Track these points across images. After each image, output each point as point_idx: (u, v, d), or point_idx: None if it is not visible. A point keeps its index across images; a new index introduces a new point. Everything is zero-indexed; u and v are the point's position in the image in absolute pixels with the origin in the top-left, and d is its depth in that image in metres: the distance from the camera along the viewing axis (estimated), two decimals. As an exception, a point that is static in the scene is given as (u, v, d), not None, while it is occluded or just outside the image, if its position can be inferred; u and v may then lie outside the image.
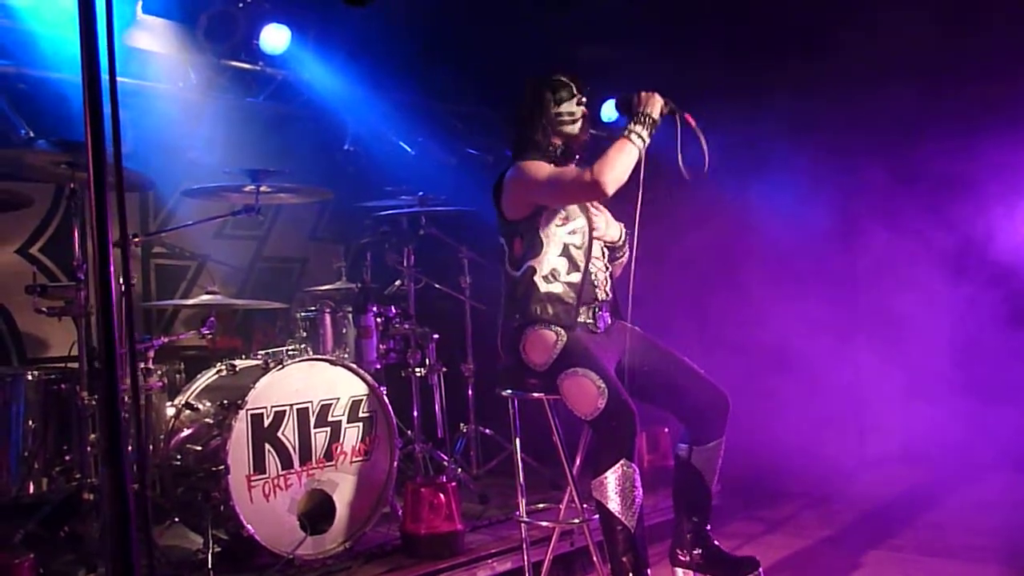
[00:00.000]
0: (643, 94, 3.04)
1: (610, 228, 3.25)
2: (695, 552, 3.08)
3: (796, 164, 5.22)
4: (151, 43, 4.80)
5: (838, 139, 5.23)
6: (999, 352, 4.89)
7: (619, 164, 2.90)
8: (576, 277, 3.10)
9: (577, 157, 3.20)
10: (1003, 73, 4.75)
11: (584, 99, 3.18)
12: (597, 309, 3.15)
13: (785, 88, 5.06)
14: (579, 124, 3.17)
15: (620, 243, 3.28)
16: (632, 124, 2.98)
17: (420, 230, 4.87)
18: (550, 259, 3.09)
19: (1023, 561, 3.57)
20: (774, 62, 5.02)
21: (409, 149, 5.77)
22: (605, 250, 3.24)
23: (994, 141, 4.68)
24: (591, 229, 3.15)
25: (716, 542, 3.07)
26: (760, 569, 2.96)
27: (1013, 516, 4.35)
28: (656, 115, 3.01)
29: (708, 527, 3.10)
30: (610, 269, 3.23)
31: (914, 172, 5.11)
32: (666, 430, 4.83)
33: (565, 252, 3.10)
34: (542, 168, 3.07)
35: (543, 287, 3.08)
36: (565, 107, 3.16)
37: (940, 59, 4.82)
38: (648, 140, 2.98)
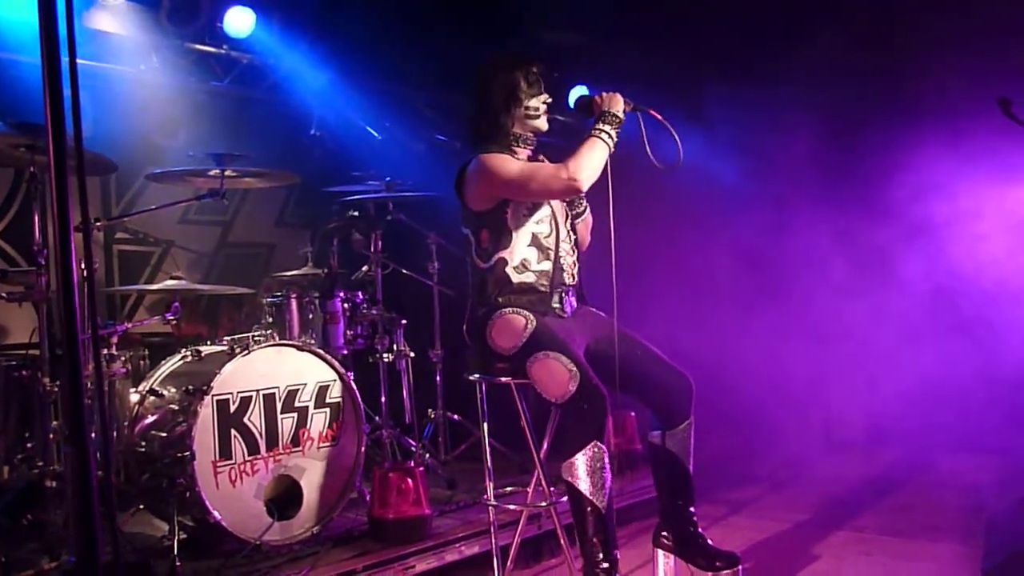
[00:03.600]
0: (604, 94, 3.10)
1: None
2: (678, 536, 3.11)
3: (747, 156, 5.28)
4: (113, 25, 4.73)
5: (783, 133, 5.29)
6: (955, 340, 4.97)
7: (593, 162, 2.97)
8: (547, 265, 3.12)
9: (533, 149, 3.20)
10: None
11: (549, 97, 3.18)
12: (564, 293, 3.17)
13: (732, 80, 5.11)
14: (543, 118, 3.18)
15: (581, 208, 3.30)
16: (599, 123, 3.03)
17: (387, 216, 4.85)
18: (520, 250, 3.10)
19: (978, 538, 3.64)
20: (723, 55, 5.07)
21: (376, 134, 5.74)
22: (572, 234, 3.24)
23: (933, 138, 4.77)
24: (556, 216, 3.16)
25: (701, 529, 3.09)
26: (740, 567, 2.99)
27: (973, 496, 4.44)
28: (620, 113, 3.05)
29: (692, 509, 3.12)
30: (576, 253, 3.24)
31: (860, 167, 5.19)
32: (632, 414, 4.87)
33: (534, 242, 3.11)
34: (509, 164, 3.06)
35: (515, 278, 3.09)
36: (535, 101, 3.16)
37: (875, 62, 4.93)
38: (615, 138, 3.03)
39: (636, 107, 3.10)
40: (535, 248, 3.11)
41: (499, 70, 3.16)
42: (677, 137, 3.05)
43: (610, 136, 3.01)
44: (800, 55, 5.01)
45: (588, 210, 3.33)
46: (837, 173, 5.32)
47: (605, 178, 3.02)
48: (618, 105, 3.06)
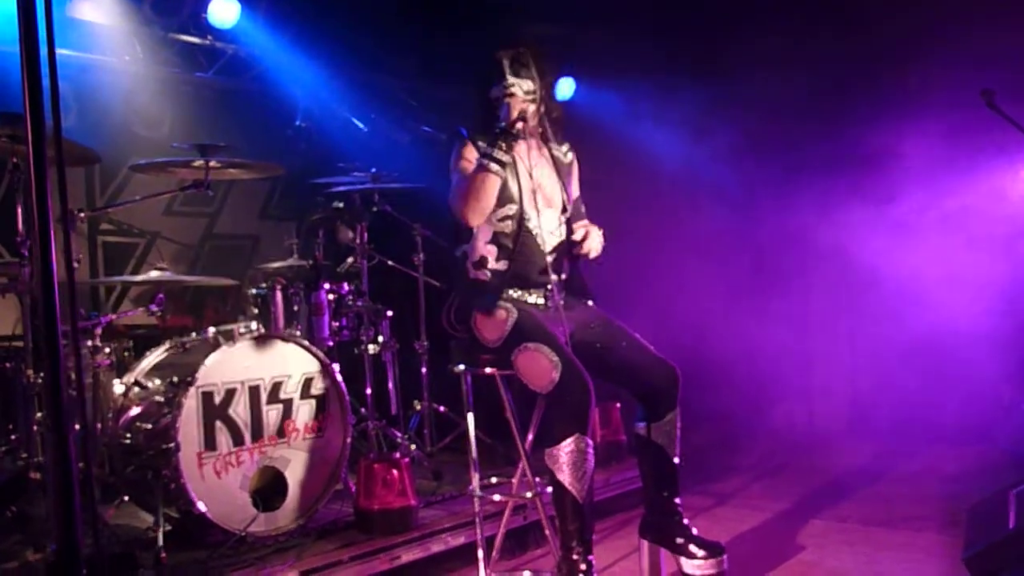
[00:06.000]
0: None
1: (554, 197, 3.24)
2: (664, 527, 3.12)
3: (738, 142, 5.29)
4: (96, 14, 4.70)
5: (766, 120, 5.31)
6: (946, 326, 5.00)
7: (477, 196, 3.00)
8: (503, 265, 3.11)
9: (520, 139, 3.14)
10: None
11: (514, 81, 3.12)
12: (547, 291, 3.16)
13: (718, 68, 5.12)
14: (507, 104, 3.07)
15: (564, 217, 3.26)
16: (487, 150, 3.03)
17: (373, 207, 4.84)
18: (479, 246, 3.12)
19: (958, 528, 3.67)
20: (711, 42, 5.09)
21: (362, 126, 5.72)
22: (563, 229, 3.23)
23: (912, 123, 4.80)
24: (525, 213, 3.13)
25: (686, 520, 3.10)
26: (724, 556, 3.00)
27: (953, 486, 4.47)
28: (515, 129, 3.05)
29: (678, 500, 3.13)
30: (565, 249, 3.22)
31: (844, 155, 5.21)
32: (618, 405, 4.88)
33: (494, 240, 3.11)
34: (463, 162, 3.11)
35: (472, 273, 3.13)
36: (495, 90, 3.14)
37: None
38: (506, 159, 3.03)
39: (521, 118, 3.06)
40: (495, 246, 3.11)
41: (476, 64, 3.21)
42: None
43: (495, 159, 3.00)
44: (783, 41, 5.02)
45: (585, 220, 3.25)
46: (823, 161, 5.34)
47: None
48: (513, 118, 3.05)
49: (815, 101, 5.30)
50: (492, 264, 3.11)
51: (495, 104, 3.14)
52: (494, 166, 3.01)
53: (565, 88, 5.60)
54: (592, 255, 3.22)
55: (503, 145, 3.02)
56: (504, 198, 3.11)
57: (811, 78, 5.19)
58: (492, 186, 3.02)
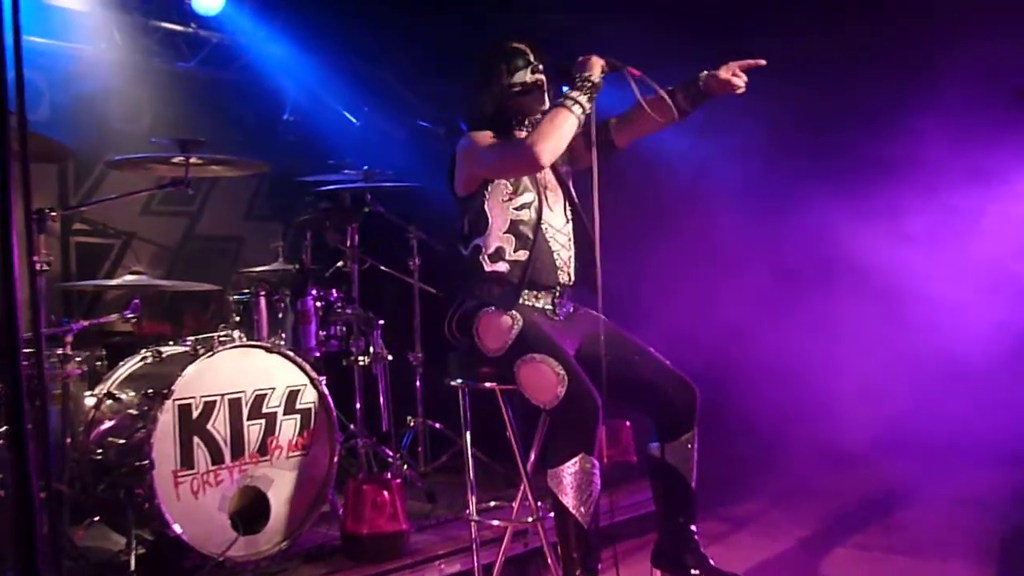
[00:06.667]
0: (580, 59, 3.06)
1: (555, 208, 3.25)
2: (679, 556, 3.09)
3: (759, 144, 5.28)
4: (72, 0, 4.70)
5: (792, 114, 5.29)
6: (984, 342, 4.97)
7: (553, 132, 2.94)
8: (523, 255, 3.11)
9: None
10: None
11: (541, 67, 3.19)
12: (556, 295, 3.16)
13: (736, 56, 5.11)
14: (534, 94, 3.18)
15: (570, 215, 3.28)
16: (569, 91, 3.01)
17: (365, 207, 4.83)
18: (496, 236, 3.11)
19: (991, 560, 3.65)
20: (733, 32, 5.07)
21: (354, 120, 5.73)
22: (569, 223, 3.24)
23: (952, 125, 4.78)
24: (545, 202, 3.16)
25: (703, 549, 3.08)
26: None
27: (984, 514, 4.44)
28: (596, 77, 3.01)
29: (694, 527, 3.11)
30: (573, 249, 3.22)
31: (873, 156, 5.20)
32: (627, 424, 4.86)
33: (512, 229, 3.11)
34: (484, 138, 3.11)
35: (488, 266, 3.11)
36: (519, 76, 3.17)
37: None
38: (588, 106, 2.99)
39: (615, 65, 3.05)
40: (512, 236, 3.11)
41: (482, 57, 3.22)
42: (663, 92, 3.07)
43: (578, 103, 2.96)
44: (809, 36, 5.01)
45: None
46: (852, 164, 5.31)
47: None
48: (594, 68, 3.02)
49: (841, 101, 5.29)
50: (510, 255, 3.10)
51: (519, 92, 3.16)
52: (576, 108, 2.97)
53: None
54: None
55: (588, 94, 2.99)
56: (520, 185, 3.14)
57: (835, 77, 5.17)
58: (570, 127, 2.96)
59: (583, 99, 2.98)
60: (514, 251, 3.10)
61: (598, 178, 3.03)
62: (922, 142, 4.92)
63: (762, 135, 5.34)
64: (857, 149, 5.26)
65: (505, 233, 3.11)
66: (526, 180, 3.15)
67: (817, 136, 5.36)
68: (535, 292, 3.14)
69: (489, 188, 3.11)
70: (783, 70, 5.10)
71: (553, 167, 3.27)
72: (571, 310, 3.22)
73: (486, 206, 3.11)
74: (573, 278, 3.22)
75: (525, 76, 3.17)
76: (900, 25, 5.00)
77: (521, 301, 3.09)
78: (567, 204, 3.27)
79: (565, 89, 3.04)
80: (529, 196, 3.14)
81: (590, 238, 3.20)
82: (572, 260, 3.22)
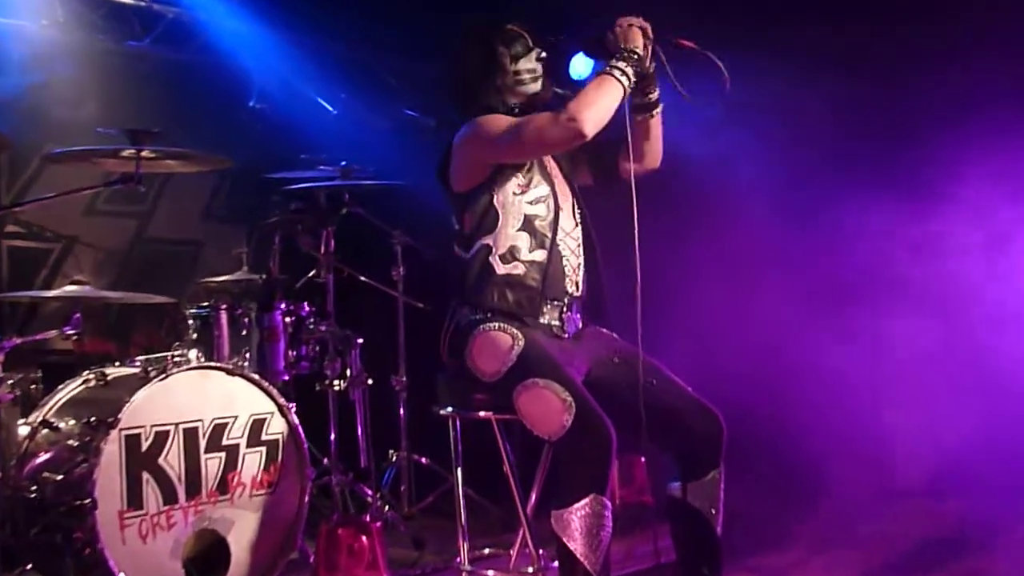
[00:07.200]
0: (619, 27, 3.06)
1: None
2: None
3: (779, 133, 5.28)
4: (6, -31, 4.71)
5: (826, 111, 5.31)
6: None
7: (600, 100, 2.95)
8: (541, 255, 3.11)
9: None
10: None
11: (544, 52, 3.21)
12: (565, 308, 3.17)
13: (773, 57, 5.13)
14: (541, 81, 3.22)
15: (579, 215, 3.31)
16: (613, 61, 3.01)
17: (342, 208, 4.85)
18: (508, 233, 3.11)
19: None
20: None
21: (330, 108, 5.73)
22: (578, 225, 3.24)
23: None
24: (558, 197, 3.17)
25: None
26: None
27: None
28: (640, 49, 3.03)
29: None
30: (584, 255, 3.23)
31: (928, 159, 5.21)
32: (643, 459, 4.85)
33: (527, 225, 3.11)
34: (499, 119, 3.11)
35: (500, 268, 3.09)
36: (524, 63, 3.20)
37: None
38: (634, 79, 3.00)
39: (660, 39, 3.06)
40: (527, 234, 3.11)
41: (473, 40, 3.22)
42: (723, 66, 3.05)
43: (626, 75, 2.97)
44: (855, 33, 5.03)
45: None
46: (903, 165, 5.33)
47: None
48: (637, 38, 3.03)
49: (884, 100, 5.30)
50: (526, 254, 3.10)
51: (523, 82, 3.18)
52: (624, 79, 2.98)
53: (580, 66, 5.60)
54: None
55: (635, 67, 3.00)
56: (533, 175, 3.15)
57: (880, 75, 5.19)
58: (615, 98, 2.98)
59: (630, 70, 2.98)
60: (530, 250, 3.11)
61: (635, 188, 3.04)
62: (986, 146, 4.94)
63: (798, 134, 5.35)
64: (913, 152, 5.27)
65: (519, 230, 3.10)
66: (537, 171, 3.17)
67: (868, 137, 5.37)
68: (543, 303, 3.14)
69: (498, 180, 3.11)
70: (831, 62, 5.14)
71: (557, 161, 3.28)
72: (580, 326, 3.22)
73: (495, 200, 3.11)
74: (582, 289, 3.22)
75: (529, 63, 3.19)
76: (967, 22, 5.01)
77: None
78: (575, 204, 3.28)
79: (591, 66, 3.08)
80: (543, 189, 3.16)
81: (596, 246, 3.24)
82: (581, 268, 3.23)
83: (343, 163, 4.77)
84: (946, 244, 5.19)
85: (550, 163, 3.26)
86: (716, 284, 5.48)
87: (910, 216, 5.22)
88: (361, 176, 4.80)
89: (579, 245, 3.23)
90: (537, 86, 3.22)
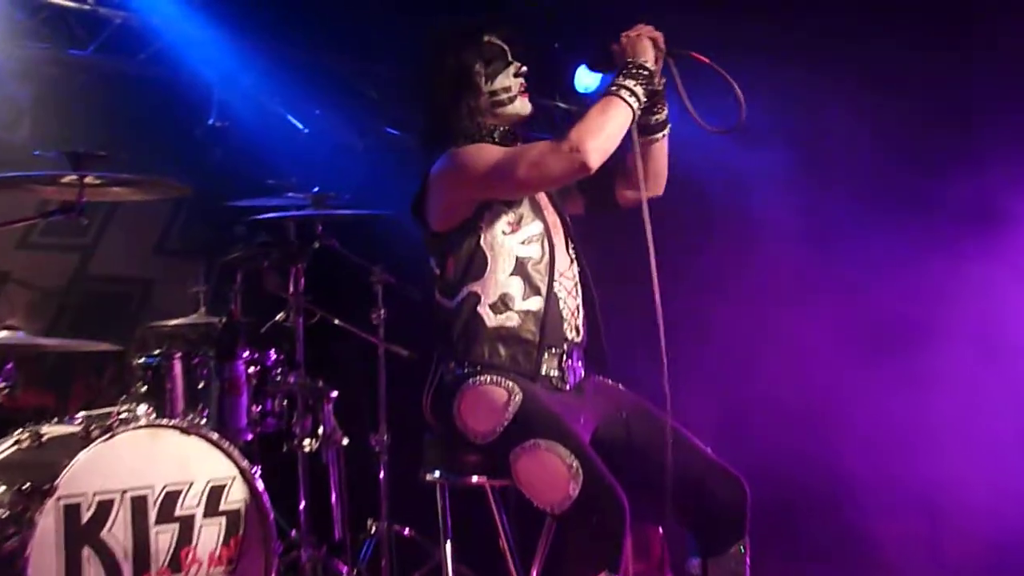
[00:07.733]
0: (625, 38, 3.10)
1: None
2: None
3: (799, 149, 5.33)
4: (-71, -32, 4.75)
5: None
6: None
7: (606, 128, 2.97)
8: (537, 303, 3.12)
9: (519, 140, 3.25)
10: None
11: (523, 66, 3.24)
12: (564, 356, 3.17)
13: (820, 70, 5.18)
14: (520, 100, 3.23)
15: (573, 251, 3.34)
16: (619, 78, 3.04)
17: (315, 242, 4.86)
18: (499, 280, 3.11)
19: None
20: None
21: (302, 126, 5.75)
22: (576, 264, 3.26)
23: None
24: (551, 236, 3.18)
25: None
26: None
27: None
28: (651, 63, 3.06)
29: None
30: (581, 296, 3.24)
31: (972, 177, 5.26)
32: (660, 530, 4.84)
33: (520, 269, 3.12)
34: (487, 150, 3.11)
35: (492, 320, 3.10)
36: (500, 81, 3.22)
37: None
38: (644, 97, 3.04)
39: (672, 52, 3.11)
40: (520, 278, 3.11)
41: (444, 54, 3.24)
42: (736, 86, 3.09)
43: (633, 94, 3.01)
44: (904, 54, 5.09)
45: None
46: (950, 183, 5.36)
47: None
48: (646, 51, 3.07)
49: (941, 123, 5.35)
50: (519, 303, 3.11)
51: (502, 102, 3.21)
52: (632, 100, 3.01)
53: (586, 78, 5.62)
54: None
55: (644, 84, 3.03)
56: (523, 212, 3.16)
57: (940, 96, 5.24)
58: (623, 122, 3.00)
59: (639, 90, 3.02)
60: (524, 298, 3.11)
61: (648, 214, 3.06)
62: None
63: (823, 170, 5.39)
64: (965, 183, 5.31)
65: (511, 275, 3.11)
66: (526, 206, 3.18)
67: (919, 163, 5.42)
68: (541, 352, 3.14)
69: (485, 217, 3.12)
70: (880, 82, 5.18)
71: (548, 193, 3.30)
72: (582, 376, 3.22)
73: (483, 241, 3.12)
74: (583, 334, 3.22)
75: (507, 80, 3.22)
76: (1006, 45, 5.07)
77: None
78: (567, 239, 3.30)
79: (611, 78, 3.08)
80: (536, 227, 3.17)
81: (592, 285, 3.27)
82: (580, 311, 3.24)
83: (316, 189, 4.79)
84: (1010, 275, 5.22)
85: (540, 194, 3.27)
86: (737, 330, 5.48)
87: (956, 252, 5.25)
88: (336, 204, 4.82)
89: (575, 285, 3.25)
90: (517, 106, 3.24)
